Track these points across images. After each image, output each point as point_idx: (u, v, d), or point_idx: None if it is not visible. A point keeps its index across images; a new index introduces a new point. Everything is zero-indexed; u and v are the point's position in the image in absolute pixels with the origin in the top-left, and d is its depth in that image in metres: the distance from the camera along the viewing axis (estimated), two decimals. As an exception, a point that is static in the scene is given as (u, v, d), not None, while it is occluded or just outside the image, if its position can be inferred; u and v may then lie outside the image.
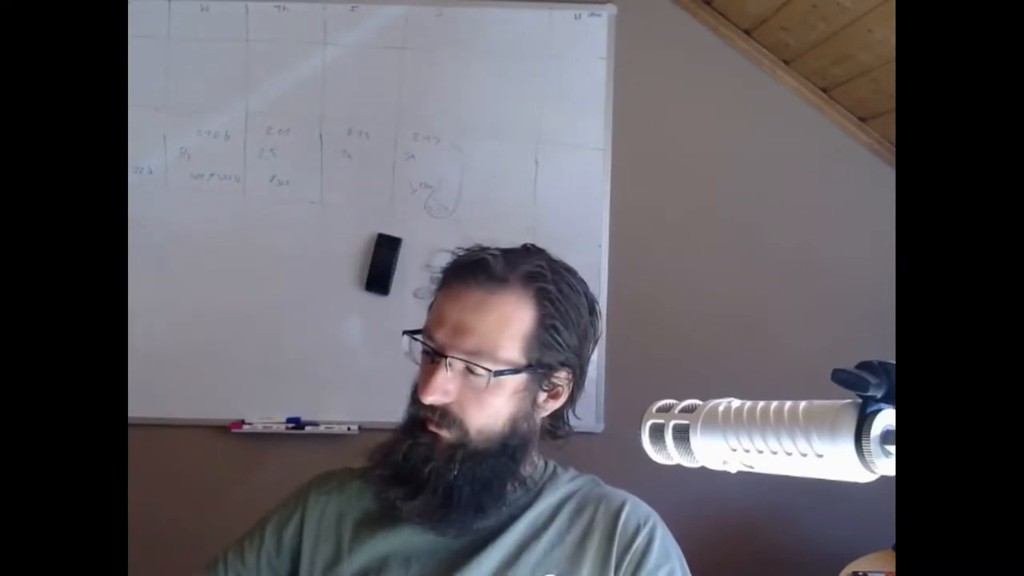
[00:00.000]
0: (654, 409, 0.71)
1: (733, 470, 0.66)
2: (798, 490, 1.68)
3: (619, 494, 0.95)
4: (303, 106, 1.85)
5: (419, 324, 0.95)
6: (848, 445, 0.55)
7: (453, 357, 0.87)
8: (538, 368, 0.90)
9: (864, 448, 0.55)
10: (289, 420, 1.83)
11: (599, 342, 0.99)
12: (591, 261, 1.83)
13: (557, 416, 0.96)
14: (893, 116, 1.83)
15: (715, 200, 1.93)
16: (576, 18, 1.86)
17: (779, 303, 1.93)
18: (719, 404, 0.66)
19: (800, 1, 1.68)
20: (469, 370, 0.87)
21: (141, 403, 1.73)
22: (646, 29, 1.90)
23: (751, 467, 0.64)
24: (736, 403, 0.65)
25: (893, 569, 1.56)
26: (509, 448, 0.90)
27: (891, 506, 0.55)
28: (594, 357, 0.98)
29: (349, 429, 1.83)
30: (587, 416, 1.83)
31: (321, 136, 1.85)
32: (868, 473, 0.56)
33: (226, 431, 1.84)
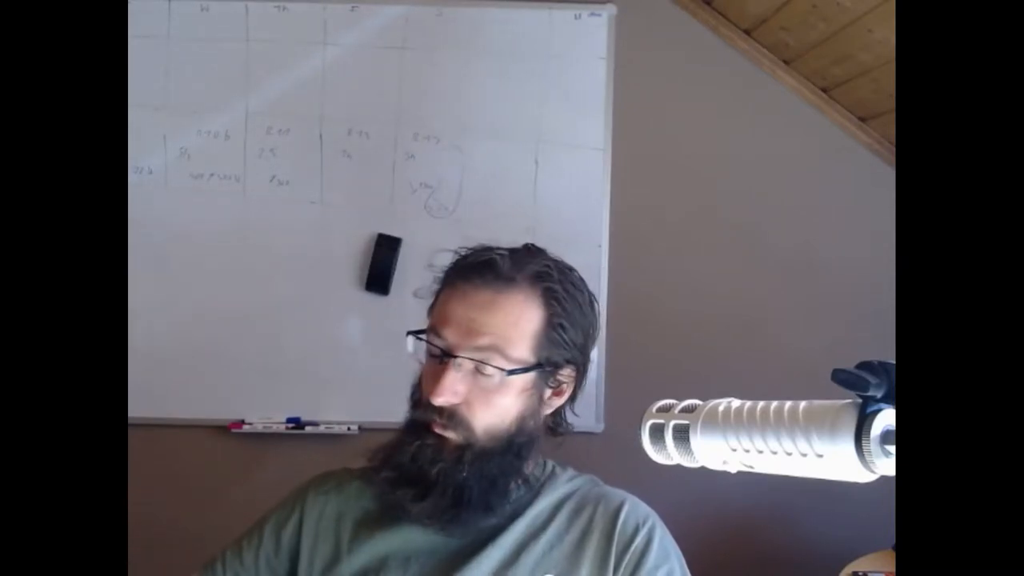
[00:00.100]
0: (654, 409, 0.71)
1: (733, 470, 0.66)
2: (798, 490, 1.68)
3: (618, 494, 0.95)
4: (303, 106, 1.85)
5: (420, 324, 0.94)
6: (848, 445, 0.55)
7: (463, 357, 0.87)
8: (546, 366, 0.90)
9: (864, 448, 0.55)
10: (289, 420, 1.83)
11: (599, 341, 1.00)
12: (591, 261, 1.83)
13: (556, 413, 0.97)
14: (893, 116, 1.83)
15: (715, 200, 1.93)
16: (576, 18, 1.86)
17: (779, 303, 1.93)
18: (719, 404, 0.66)
19: (800, 1, 1.68)
20: (478, 370, 0.88)
21: (141, 403, 1.73)
22: (646, 29, 1.90)
23: (751, 467, 0.64)
24: (736, 403, 0.65)
25: (893, 569, 1.56)
26: (515, 446, 0.90)
27: (891, 506, 0.55)
28: (594, 357, 0.99)
29: (349, 429, 1.83)
30: (587, 416, 1.83)
31: (321, 136, 1.85)
32: (868, 473, 0.56)
33: (226, 431, 1.84)
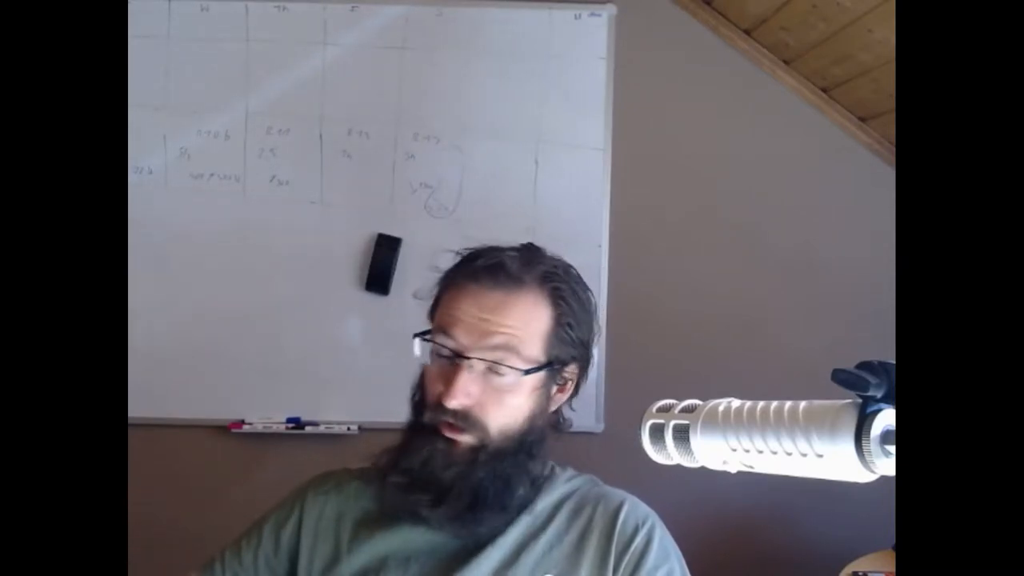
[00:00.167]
0: (654, 409, 0.71)
1: (733, 470, 0.66)
2: (798, 490, 1.68)
3: (618, 494, 0.95)
4: (303, 106, 1.85)
5: (420, 324, 0.94)
6: (848, 445, 0.55)
7: (477, 358, 0.87)
8: (556, 364, 0.91)
9: (864, 448, 0.54)
10: (289, 420, 1.83)
11: (598, 341, 1.01)
12: (591, 261, 1.83)
13: (557, 410, 0.98)
14: (893, 116, 1.83)
15: (715, 200, 1.93)
16: (576, 18, 1.86)
17: (779, 303, 1.93)
18: (719, 404, 0.66)
19: (800, 1, 1.68)
20: (491, 370, 0.88)
21: (141, 403, 1.73)
22: (646, 29, 1.90)
23: (751, 467, 0.64)
24: (736, 403, 0.65)
25: (893, 569, 1.56)
26: (526, 444, 0.91)
27: (891, 506, 0.55)
28: (594, 356, 1.00)
29: (349, 429, 1.83)
30: (587, 416, 1.83)
31: (321, 136, 1.85)
32: (868, 473, 0.56)
33: (226, 431, 1.84)
